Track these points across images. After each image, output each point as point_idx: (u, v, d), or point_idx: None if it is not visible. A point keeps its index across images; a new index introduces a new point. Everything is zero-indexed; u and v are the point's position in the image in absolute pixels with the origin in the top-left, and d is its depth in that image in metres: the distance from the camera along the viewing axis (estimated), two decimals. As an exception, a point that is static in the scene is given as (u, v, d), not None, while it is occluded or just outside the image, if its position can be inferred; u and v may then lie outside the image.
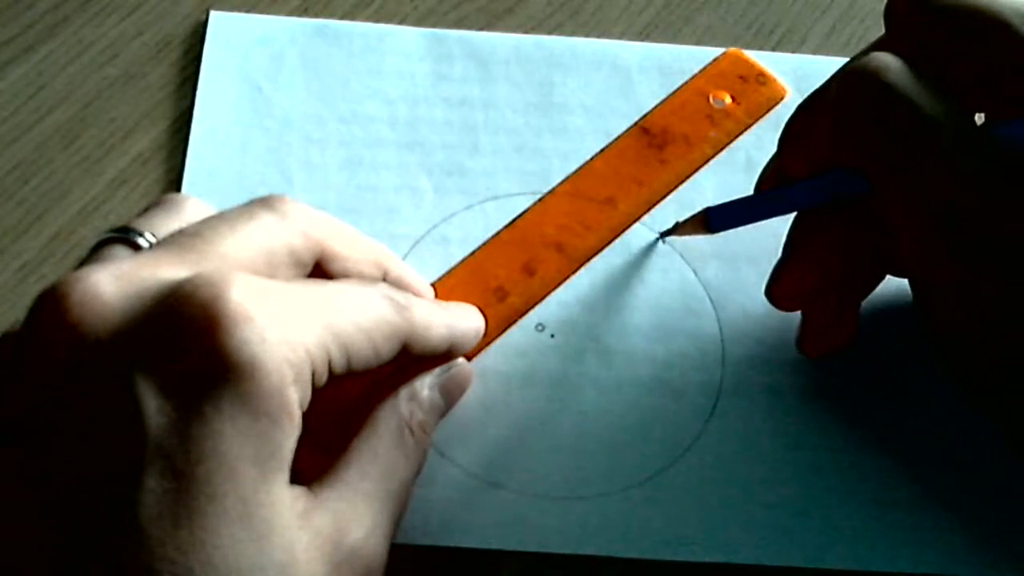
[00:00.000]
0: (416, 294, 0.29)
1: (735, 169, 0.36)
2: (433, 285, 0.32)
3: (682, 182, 0.35)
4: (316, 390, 0.24)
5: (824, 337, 0.32)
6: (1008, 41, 0.26)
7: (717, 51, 0.38)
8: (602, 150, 0.36)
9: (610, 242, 0.34)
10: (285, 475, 0.23)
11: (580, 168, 0.36)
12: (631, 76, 0.37)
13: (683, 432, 0.31)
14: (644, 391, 0.32)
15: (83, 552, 0.21)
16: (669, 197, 0.35)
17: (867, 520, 0.30)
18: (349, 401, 0.27)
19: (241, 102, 0.36)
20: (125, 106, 0.36)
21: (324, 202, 0.34)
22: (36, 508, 0.22)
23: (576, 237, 0.34)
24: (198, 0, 0.38)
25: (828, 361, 0.32)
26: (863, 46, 0.30)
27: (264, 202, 0.26)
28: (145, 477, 0.21)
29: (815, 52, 0.39)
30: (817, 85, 0.30)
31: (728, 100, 0.37)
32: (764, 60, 0.38)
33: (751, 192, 0.32)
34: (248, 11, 0.38)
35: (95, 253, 0.26)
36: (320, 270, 0.27)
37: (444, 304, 0.30)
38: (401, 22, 0.38)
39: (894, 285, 0.31)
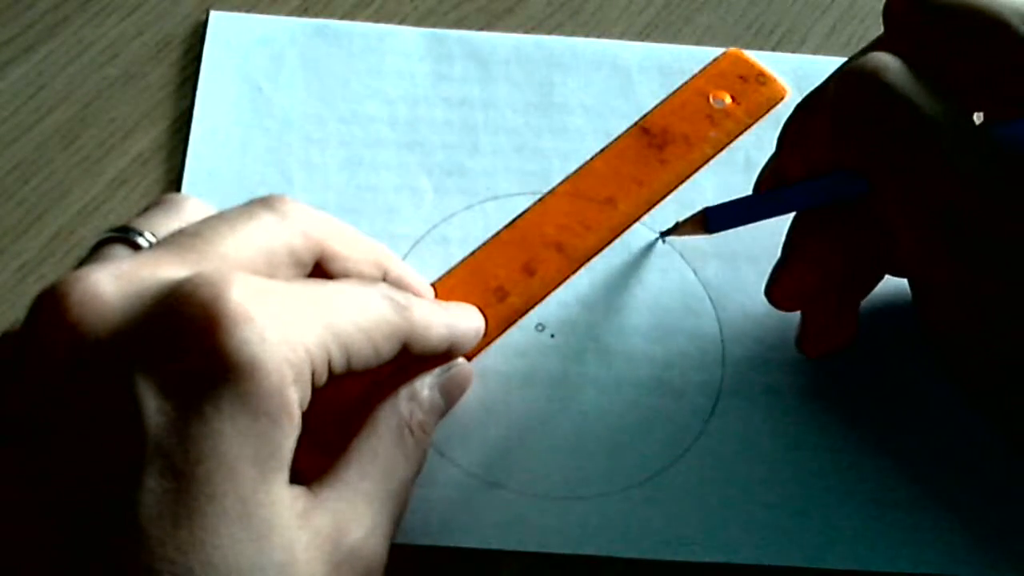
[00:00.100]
0: (416, 294, 0.29)
1: (735, 169, 0.36)
2: (433, 285, 0.32)
3: (682, 182, 0.35)
4: (316, 390, 0.24)
5: (824, 337, 0.32)
6: (1007, 41, 0.26)
7: (717, 51, 0.38)
8: (602, 150, 0.36)
9: (610, 242, 0.34)
10: (285, 475, 0.23)
11: (580, 168, 0.36)
12: (631, 76, 0.37)
13: (683, 432, 0.31)
14: (644, 391, 0.32)
15: (83, 552, 0.21)
16: (669, 197, 0.35)
17: (867, 520, 0.30)
18: (349, 401, 0.27)
19: (241, 102, 0.36)
20: (125, 106, 0.36)
21: (324, 202, 0.34)
22: (36, 508, 0.22)
23: (576, 237, 0.34)
24: (198, 0, 0.38)
25: (828, 361, 0.32)
26: (863, 46, 0.30)
27: (264, 202, 0.26)
28: (145, 477, 0.21)
29: (815, 52, 0.39)
30: (817, 85, 0.30)
31: (728, 100, 0.37)
32: (764, 60, 0.38)
33: (751, 192, 0.32)
34: (248, 11, 0.38)
35: (95, 253, 0.26)
36: (320, 270, 0.27)
37: (444, 304, 0.30)
38: (401, 22, 0.38)
39: (894, 285, 0.31)
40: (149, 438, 0.21)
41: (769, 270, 0.31)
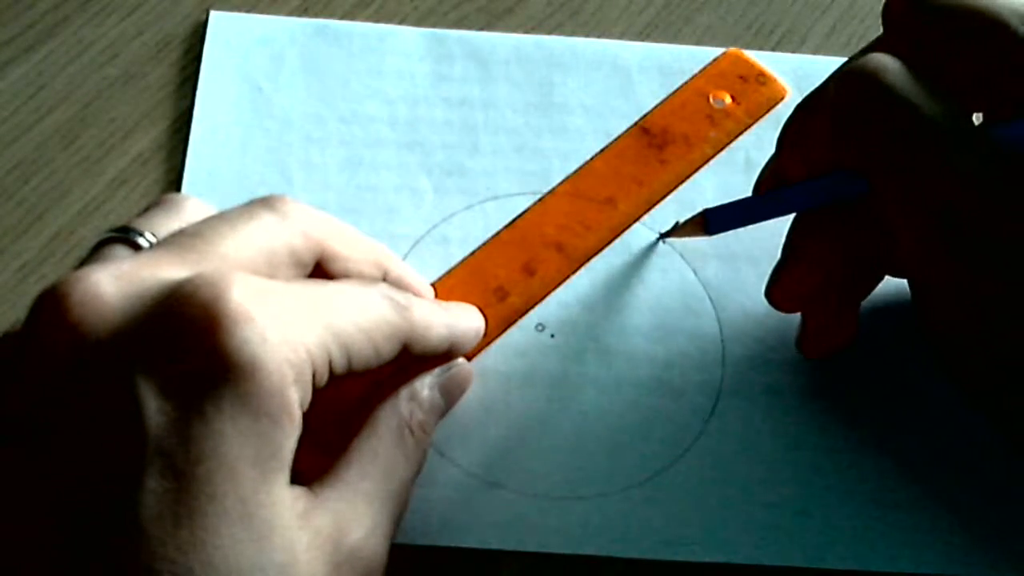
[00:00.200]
0: (416, 294, 0.29)
1: (735, 169, 0.36)
2: (433, 285, 0.32)
3: (682, 182, 0.35)
4: (316, 390, 0.24)
5: (824, 337, 0.32)
6: (1006, 41, 0.26)
7: (717, 51, 0.38)
8: (602, 150, 0.36)
9: (610, 242, 0.34)
10: (285, 475, 0.23)
11: (580, 168, 0.36)
12: (631, 76, 0.37)
13: (683, 432, 0.31)
14: (644, 391, 0.32)
15: (83, 552, 0.21)
16: (669, 197, 0.35)
17: (867, 520, 0.30)
18: (349, 401, 0.27)
19: (241, 102, 0.36)
20: (125, 106, 0.36)
21: (324, 202, 0.34)
22: (36, 508, 0.22)
23: (576, 237, 0.34)
24: (198, 0, 0.38)
25: (828, 361, 0.32)
26: (863, 46, 0.30)
27: (264, 202, 0.26)
28: (145, 477, 0.21)
29: (815, 52, 0.39)
30: (817, 85, 0.30)
31: (728, 100, 0.37)
32: (764, 60, 0.38)
33: (751, 192, 0.32)
34: (248, 11, 0.38)
35: (95, 253, 0.26)
36: (321, 270, 0.27)
37: (444, 304, 0.30)
38: (401, 22, 0.38)
39: (894, 285, 0.31)
40: (150, 438, 0.21)
41: (769, 271, 0.31)
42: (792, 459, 0.31)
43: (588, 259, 0.34)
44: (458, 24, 0.39)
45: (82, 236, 0.34)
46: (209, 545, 0.21)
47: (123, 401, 0.21)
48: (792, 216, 0.30)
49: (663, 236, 0.34)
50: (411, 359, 0.28)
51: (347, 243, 0.28)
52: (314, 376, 0.24)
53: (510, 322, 0.33)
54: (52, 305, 0.22)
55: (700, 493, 0.31)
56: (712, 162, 0.36)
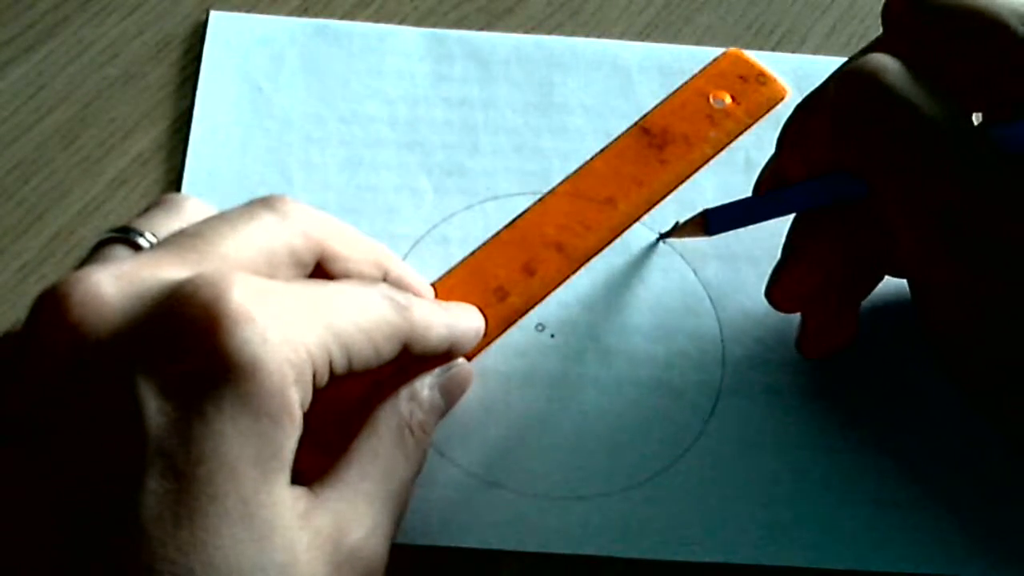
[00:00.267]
0: (416, 294, 0.29)
1: (735, 169, 0.36)
2: (433, 285, 0.32)
3: (682, 182, 0.35)
4: (317, 390, 0.24)
5: (824, 337, 0.32)
6: (1006, 42, 0.26)
7: (717, 51, 0.38)
8: (602, 150, 0.36)
9: (610, 242, 0.34)
10: (286, 475, 0.23)
11: (580, 168, 0.36)
12: (631, 76, 0.37)
13: (683, 432, 0.31)
14: (644, 391, 0.32)
15: (83, 552, 0.21)
16: (669, 197, 0.35)
17: (867, 520, 0.30)
18: (349, 401, 0.27)
19: (241, 102, 0.36)
20: (125, 106, 0.36)
21: (324, 202, 0.34)
22: (37, 508, 0.22)
23: (576, 237, 0.34)
24: (198, 0, 0.38)
25: (828, 361, 0.32)
26: (863, 46, 0.30)
27: (265, 202, 0.26)
28: (146, 477, 0.21)
29: (815, 52, 0.39)
30: (817, 85, 0.30)
31: (728, 100, 0.37)
32: (764, 60, 0.38)
33: (751, 192, 0.32)
34: (248, 11, 0.38)
35: (95, 253, 0.26)
36: (321, 270, 0.27)
37: (444, 304, 0.30)
38: (401, 22, 0.38)
39: (894, 285, 0.31)
40: (150, 439, 0.21)
41: (769, 271, 0.31)
42: (792, 459, 0.31)
43: (588, 259, 0.34)
44: (458, 24, 0.39)
45: (82, 236, 0.34)
46: (210, 545, 0.21)
47: (123, 401, 0.21)
48: (792, 216, 0.30)
49: (663, 236, 0.34)
50: (411, 359, 0.28)
51: (347, 243, 0.28)
52: (314, 376, 0.24)
53: (510, 322, 0.33)
54: (52, 305, 0.22)
55: (700, 493, 0.31)
56: (712, 162, 0.36)
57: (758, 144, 0.36)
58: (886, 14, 0.29)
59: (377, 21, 0.38)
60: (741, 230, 0.30)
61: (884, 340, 0.33)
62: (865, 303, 0.31)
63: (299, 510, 0.23)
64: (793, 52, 0.39)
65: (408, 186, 0.35)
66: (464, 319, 0.30)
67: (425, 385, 0.29)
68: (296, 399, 0.23)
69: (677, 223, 0.33)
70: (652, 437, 0.31)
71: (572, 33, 0.39)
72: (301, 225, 0.26)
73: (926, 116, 0.26)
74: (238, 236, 0.25)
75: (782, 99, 0.37)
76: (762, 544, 0.30)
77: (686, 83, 0.37)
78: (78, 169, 0.35)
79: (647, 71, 0.38)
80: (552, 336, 0.33)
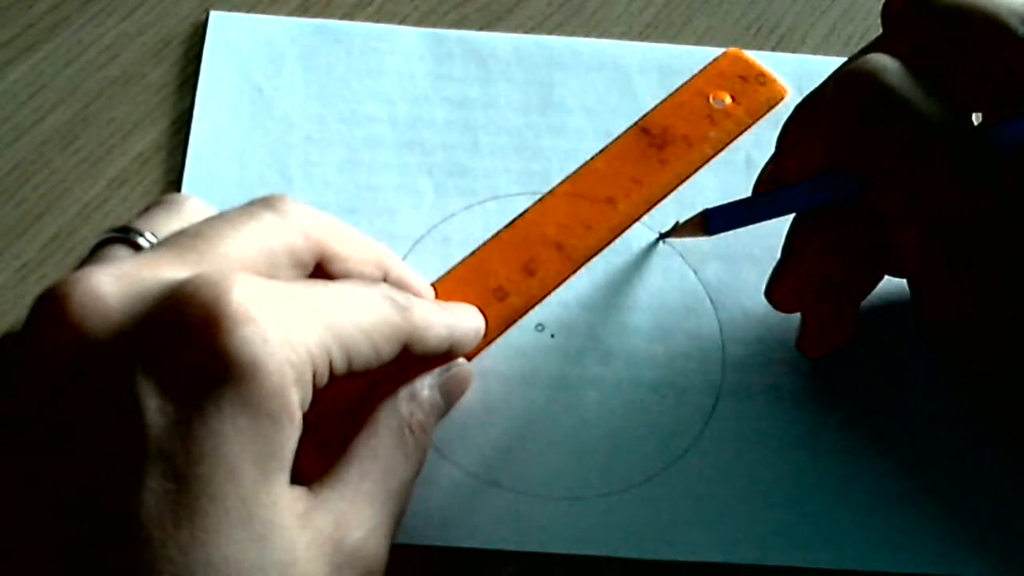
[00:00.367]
0: (416, 294, 0.29)
1: (735, 169, 0.36)
2: (433, 285, 0.32)
3: (682, 182, 0.35)
4: (317, 390, 0.24)
5: (824, 337, 0.32)
6: (1006, 42, 0.26)
7: (717, 51, 0.38)
8: (602, 150, 0.36)
9: (610, 242, 0.34)
10: (286, 475, 0.23)
11: (580, 168, 0.36)
12: (631, 76, 0.37)
13: (683, 432, 0.31)
14: (644, 391, 0.32)
15: (84, 552, 0.21)
16: (669, 197, 0.35)
17: (867, 520, 0.30)
18: (349, 401, 0.27)
19: (241, 102, 0.36)
20: (125, 106, 0.36)
21: (324, 202, 0.34)
22: (37, 508, 0.22)
23: (576, 237, 0.34)
24: (198, 0, 0.38)
25: (828, 361, 0.32)
26: (863, 46, 0.30)
27: (265, 202, 0.26)
28: (146, 477, 0.21)
29: (815, 52, 0.39)
30: (817, 85, 0.30)
31: (728, 100, 0.37)
32: (764, 60, 0.38)
33: (751, 192, 0.32)
34: (248, 11, 0.38)
35: (95, 253, 0.26)
36: (321, 270, 0.27)
37: (444, 304, 0.30)
38: (401, 22, 0.38)
39: (894, 285, 0.31)
40: (150, 439, 0.21)
41: (769, 271, 0.31)
42: (792, 459, 0.31)
43: (588, 259, 0.34)
44: (458, 24, 0.39)
45: (82, 236, 0.34)
46: (210, 545, 0.21)
47: (123, 401, 0.21)
48: (792, 216, 0.30)
49: (663, 236, 0.34)
50: (411, 359, 0.28)
51: (347, 243, 0.28)
52: (314, 376, 0.24)
53: (510, 322, 0.33)
54: (52, 305, 0.22)
55: (700, 493, 0.31)
56: (712, 162, 0.36)
57: (758, 144, 0.36)
58: (886, 14, 0.29)
59: (377, 21, 0.38)
60: (741, 230, 0.30)
61: (884, 340, 0.33)
62: (865, 303, 0.31)
63: (299, 510, 0.23)
64: (793, 52, 0.39)
65: (408, 186, 0.35)
66: (464, 319, 0.30)
67: (425, 385, 0.29)
68: (296, 399, 0.23)
69: (677, 223, 0.33)
70: (652, 437, 0.31)
71: (572, 33, 0.39)
72: (301, 225, 0.26)
73: (925, 116, 0.26)
74: (238, 236, 0.25)
75: (782, 99, 0.37)
76: (762, 544, 0.30)
77: (686, 83, 0.37)
78: (78, 169, 0.35)
79: (647, 71, 0.38)
80: (552, 336, 0.33)
